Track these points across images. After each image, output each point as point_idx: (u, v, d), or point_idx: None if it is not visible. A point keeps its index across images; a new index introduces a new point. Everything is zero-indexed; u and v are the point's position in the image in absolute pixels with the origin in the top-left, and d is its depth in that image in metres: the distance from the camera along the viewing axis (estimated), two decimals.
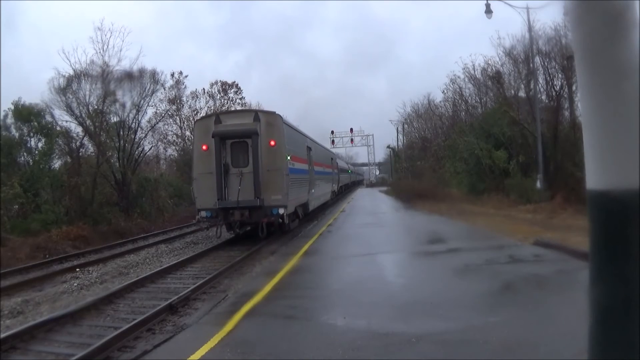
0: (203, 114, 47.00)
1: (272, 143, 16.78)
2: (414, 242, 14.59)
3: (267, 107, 60.90)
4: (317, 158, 26.01)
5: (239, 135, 16.70)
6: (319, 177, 26.11)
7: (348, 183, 61.11)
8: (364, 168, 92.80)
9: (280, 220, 16.99)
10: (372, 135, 77.37)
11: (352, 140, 72.45)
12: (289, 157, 17.54)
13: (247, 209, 16.36)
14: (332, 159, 36.12)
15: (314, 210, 23.90)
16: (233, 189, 16.53)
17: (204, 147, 16.89)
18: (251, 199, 16.27)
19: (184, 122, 45.81)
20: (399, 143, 59.34)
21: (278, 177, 16.71)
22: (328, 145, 53.62)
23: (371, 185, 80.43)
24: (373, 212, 26.21)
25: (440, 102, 40.74)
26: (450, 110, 37.96)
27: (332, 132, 70.02)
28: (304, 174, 20.67)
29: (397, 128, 57.68)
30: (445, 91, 36.46)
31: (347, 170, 60.03)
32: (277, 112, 17.68)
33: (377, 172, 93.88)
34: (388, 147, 66.48)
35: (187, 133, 46.17)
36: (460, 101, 34.92)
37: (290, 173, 17.40)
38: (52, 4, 71.32)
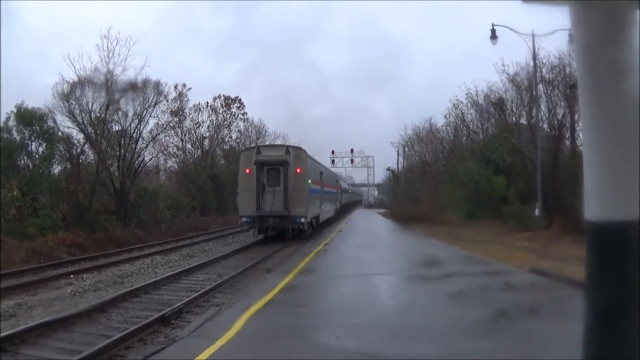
0: (205, 127, 47.44)
1: (298, 170, 22.58)
2: (409, 265, 14.60)
3: (268, 122, 61.14)
4: (326, 180, 31.17)
5: (274, 163, 22.33)
6: (327, 196, 31.52)
7: (348, 202, 61.53)
8: (363, 189, 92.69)
9: (301, 227, 22.46)
10: (373, 157, 77.37)
11: (352, 160, 72.43)
12: (309, 181, 23.52)
13: (278, 217, 21.85)
14: (336, 180, 41.72)
15: (320, 224, 28.51)
16: (267, 202, 21.99)
17: (247, 171, 22.56)
18: (281, 209, 21.82)
19: (185, 135, 45.97)
20: (399, 166, 59.35)
21: (301, 195, 22.37)
22: (328, 165, 54.52)
23: (369, 206, 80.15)
24: (370, 234, 26.29)
25: (441, 126, 40.80)
26: (452, 135, 37.97)
27: (333, 152, 70.28)
28: (317, 194, 26.45)
29: (398, 151, 57.73)
30: (448, 116, 36.54)
31: (347, 191, 60.68)
32: (302, 148, 24.40)
33: (376, 193, 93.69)
34: (388, 169, 66.40)
35: (188, 146, 46.34)
36: (461, 126, 34.99)
37: (310, 193, 23.33)
38: (59, 8, 71.50)
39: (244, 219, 22.57)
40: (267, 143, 48.89)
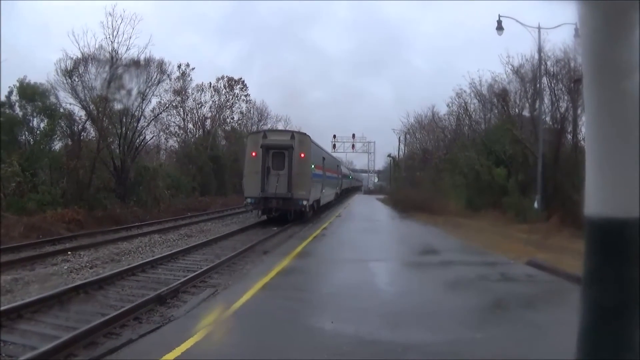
0: (207, 108, 47.45)
1: (302, 155, 23.80)
2: (408, 252, 14.68)
3: (270, 105, 60.88)
4: (328, 165, 32.45)
5: (279, 147, 23.39)
6: (329, 181, 32.87)
7: (348, 187, 61.71)
8: (363, 175, 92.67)
9: (303, 209, 23.64)
10: (374, 142, 77.33)
11: (353, 146, 72.46)
12: (312, 166, 24.87)
13: (281, 199, 22.95)
14: (337, 165, 42.80)
15: (321, 207, 29.80)
16: (272, 185, 23.04)
17: (254, 154, 23.72)
18: (285, 192, 22.94)
19: (187, 114, 45.87)
20: (400, 152, 59.26)
21: (304, 179, 23.66)
22: (330, 150, 54.56)
23: (369, 192, 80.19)
24: (369, 219, 26.50)
25: (444, 114, 40.62)
26: (454, 124, 37.82)
27: (334, 136, 70.17)
28: (319, 178, 27.75)
29: (399, 137, 57.60)
30: (450, 104, 36.37)
31: (348, 176, 60.77)
32: (307, 134, 25.70)
33: (376, 180, 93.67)
34: (389, 156, 66.35)
35: (190, 126, 46.27)
36: (464, 116, 34.80)
37: (312, 177, 24.67)
38: None
39: (248, 200, 23.60)
40: (270, 126, 49.73)
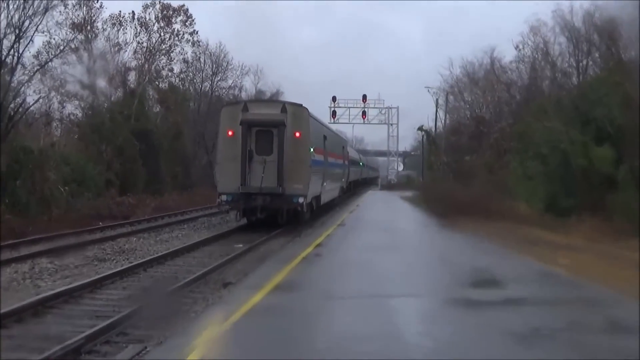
0: (130, 53, 47.07)
1: (298, 135, 26.44)
2: (451, 283, 14.62)
3: (233, 51, 60.76)
4: (330, 148, 35.95)
5: (266, 124, 26.23)
6: (331, 170, 36.58)
7: (358, 179, 61.44)
8: (380, 160, 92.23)
9: (299, 208, 26.57)
10: (397, 108, 76.63)
11: (364, 113, 71.70)
12: (312, 149, 27.69)
13: (269, 196, 25.60)
14: (343, 147, 46.47)
15: (320, 207, 32.99)
16: (256, 176, 25.71)
17: (230, 133, 26.40)
18: (274, 185, 25.70)
19: (95, 63, 45.28)
20: (439, 124, 58.87)
21: (301, 167, 26.34)
22: (327, 120, 57.05)
23: (389, 187, 78.32)
24: (388, 229, 27.19)
25: (510, 62, 40.41)
26: (526, 77, 37.56)
27: (334, 99, 69.54)
28: (320, 166, 31.09)
29: (437, 100, 57.37)
30: (521, 46, 36.16)
31: (357, 162, 60.29)
32: (304, 105, 28.10)
33: (400, 167, 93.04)
34: (420, 129, 65.71)
35: (101, 82, 45.65)
36: (543, 63, 34.60)
37: (312, 165, 27.43)
38: None
39: (223, 198, 26.49)
40: (231, 84, 49.79)
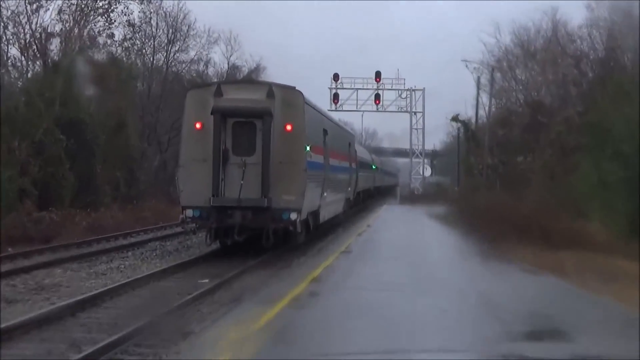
0: (53, 13, 48.50)
1: (289, 128, 25.04)
2: (499, 334, 13.97)
3: (193, 9, 59.37)
4: (332, 145, 34.67)
5: (246, 113, 24.91)
6: (334, 176, 35.09)
7: (369, 188, 60.23)
8: (399, 161, 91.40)
9: (291, 227, 24.76)
10: (423, 90, 74.94)
11: (377, 97, 70.15)
12: (308, 148, 26.06)
13: (250, 210, 24.17)
14: (349, 144, 45.43)
15: (319, 226, 32.00)
16: (233, 183, 24.36)
17: (198, 126, 24.97)
18: (256, 197, 24.29)
19: (6, 28, 45.39)
20: (481, 112, 57.14)
21: (293, 172, 24.85)
22: (326, 107, 57.31)
23: (412, 198, 76.09)
24: (409, 259, 26.39)
25: (580, 27, 38.94)
26: (602, 48, 36.01)
27: (336, 77, 67.81)
28: (319, 170, 29.74)
29: (479, 79, 55.64)
30: (595, 5, 34.63)
31: (369, 165, 58.72)
32: (297, 88, 26.44)
33: (428, 172, 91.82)
34: (454, 119, 64.68)
35: (14, 51, 46.75)
36: (626, 29, 32.96)
37: (308, 169, 25.73)
38: None
39: (189, 213, 24.89)
40: (195, 57, 50.22)
